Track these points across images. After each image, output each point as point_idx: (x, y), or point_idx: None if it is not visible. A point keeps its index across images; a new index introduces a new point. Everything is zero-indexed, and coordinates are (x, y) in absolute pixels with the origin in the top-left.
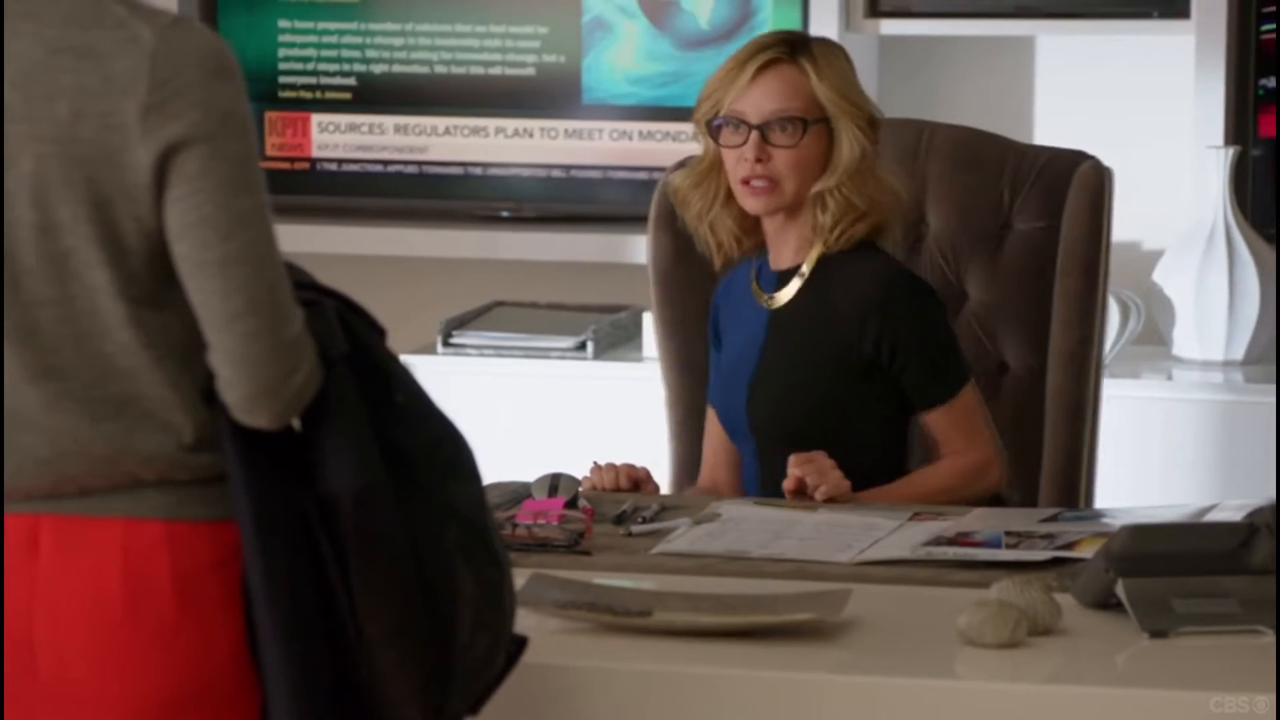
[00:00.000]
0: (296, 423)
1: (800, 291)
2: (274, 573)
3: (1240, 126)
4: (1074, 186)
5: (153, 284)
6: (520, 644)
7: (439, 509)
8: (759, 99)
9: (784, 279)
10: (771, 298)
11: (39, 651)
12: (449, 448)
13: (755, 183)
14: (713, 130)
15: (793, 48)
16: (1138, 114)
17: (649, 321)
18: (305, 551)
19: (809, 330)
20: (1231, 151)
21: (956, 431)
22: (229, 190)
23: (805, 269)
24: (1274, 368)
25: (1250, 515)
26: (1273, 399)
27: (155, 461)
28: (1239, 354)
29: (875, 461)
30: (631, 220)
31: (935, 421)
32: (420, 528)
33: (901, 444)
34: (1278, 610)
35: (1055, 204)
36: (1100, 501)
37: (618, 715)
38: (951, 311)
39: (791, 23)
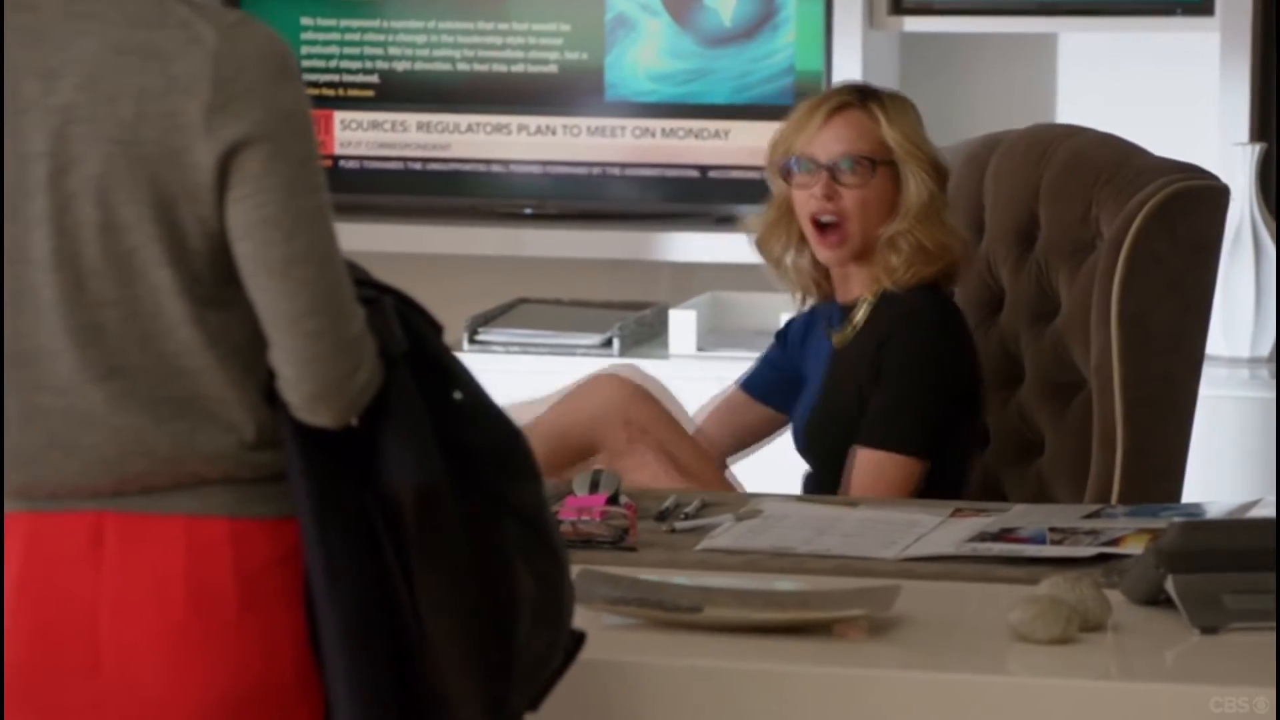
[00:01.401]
0: (354, 420)
1: (861, 327)
2: (335, 570)
3: (1265, 123)
4: (1137, 198)
5: (215, 284)
6: (578, 640)
7: (498, 507)
8: (829, 141)
9: (846, 313)
10: (839, 333)
11: (102, 647)
12: (507, 445)
13: (823, 218)
14: (784, 173)
15: (863, 95)
16: (1162, 111)
17: (674, 318)
18: (366, 549)
19: (854, 364)
20: (1257, 148)
21: (878, 491)
22: (292, 190)
23: (865, 306)
24: None
25: None
26: None
27: (218, 461)
28: (1265, 350)
29: None
30: (654, 218)
31: (865, 461)
32: (480, 525)
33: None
34: (1278, 609)
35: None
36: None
37: (670, 710)
38: (1043, 323)
39: (815, 20)
